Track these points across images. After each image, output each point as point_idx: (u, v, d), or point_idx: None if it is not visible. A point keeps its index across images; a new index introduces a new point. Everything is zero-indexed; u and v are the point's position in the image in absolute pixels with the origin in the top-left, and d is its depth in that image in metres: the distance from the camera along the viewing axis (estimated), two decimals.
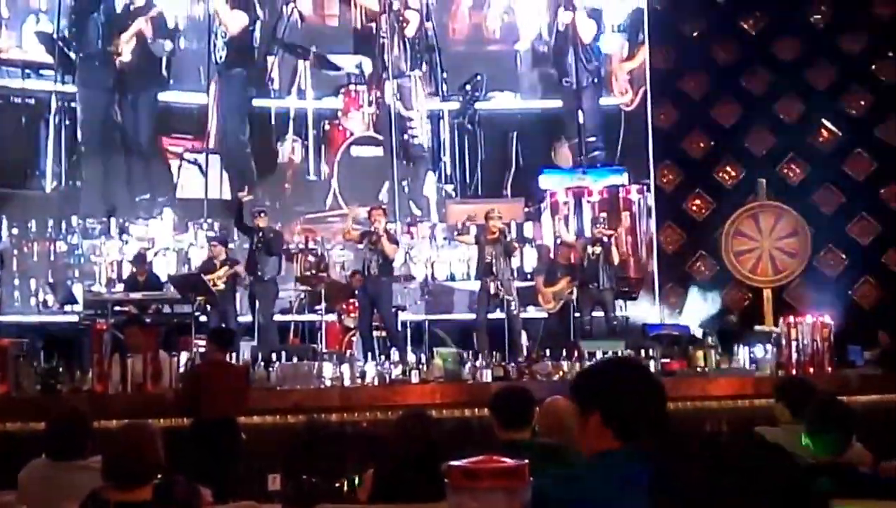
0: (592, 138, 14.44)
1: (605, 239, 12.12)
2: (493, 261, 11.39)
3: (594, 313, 12.21)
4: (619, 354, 10.00)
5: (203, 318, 11.56)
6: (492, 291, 11.39)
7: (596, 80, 14.60)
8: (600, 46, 14.71)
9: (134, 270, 12.06)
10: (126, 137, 13.69)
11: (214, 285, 11.57)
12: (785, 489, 3.18)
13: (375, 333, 11.50)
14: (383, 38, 14.19)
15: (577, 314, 12.22)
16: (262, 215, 11.89)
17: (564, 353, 10.31)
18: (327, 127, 14.24)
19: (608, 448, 2.52)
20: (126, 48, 13.67)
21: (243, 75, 14.05)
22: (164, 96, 13.94)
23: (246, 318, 11.86)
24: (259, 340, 11.16)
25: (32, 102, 13.41)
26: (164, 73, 13.97)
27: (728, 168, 14.52)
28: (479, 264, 11.72)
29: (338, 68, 14.33)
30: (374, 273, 11.38)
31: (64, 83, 13.43)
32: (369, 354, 10.73)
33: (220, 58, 13.91)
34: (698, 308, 13.42)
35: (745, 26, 14.79)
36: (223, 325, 11.31)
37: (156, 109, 13.83)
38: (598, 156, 14.49)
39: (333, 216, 13.87)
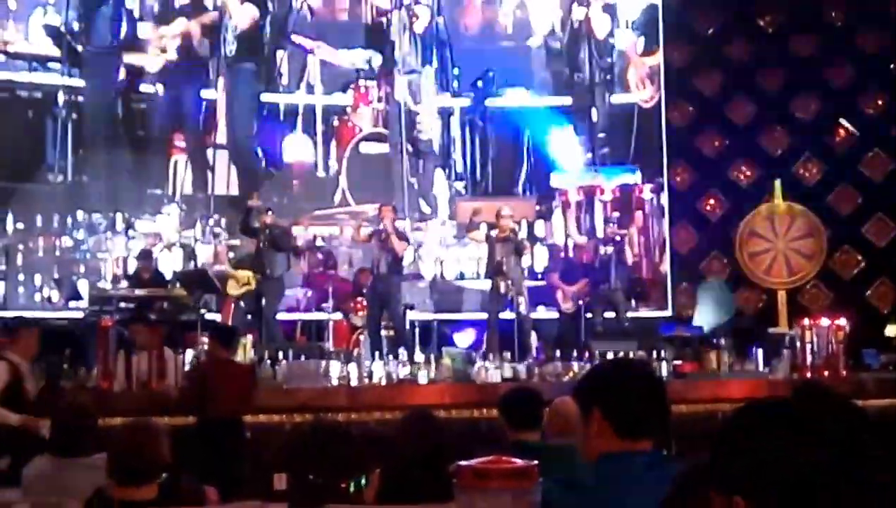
0: (602, 135, 14.29)
1: (618, 239, 11.99)
2: (504, 260, 11.29)
3: (605, 314, 12.09)
4: (631, 355, 9.90)
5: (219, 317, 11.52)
6: (502, 290, 11.28)
7: (609, 76, 14.44)
8: (614, 43, 14.54)
9: (139, 266, 11.98)
10: (135, 132, 13.58)
11: (248, 282, 11.52)
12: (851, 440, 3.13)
13: (383, 332, 11.39)
14: (394, 33, 14.08)
15: (588, 315, 12.07)
16: (269, 211, 11.79)
17: (575, 354, 10.21)
18: (336, 123, 14.13)
19: (611, 450, 2.47)
20: (171, 44, 13.55)
21: (252, 70, 13.93)
22: None
23: None
24: (263, 337, 11.05)
25: (39, 95, 13.30)
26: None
27: (743, 167, 14.37)
28: (490, 263, 11.61)
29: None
30: (382, 271, 11.28)
31: (71, 77, 13.34)
32: (377, 353, 10.64)
33: (230, 52, 13.77)
34: (711, 309, 13.27)
35: (762, 23, 14.64)
36: (250, 316, 11.25)
37: (200, 106, 13.68)
38: (609, 153, 14.32)
39: (342, 213, 13.75)
